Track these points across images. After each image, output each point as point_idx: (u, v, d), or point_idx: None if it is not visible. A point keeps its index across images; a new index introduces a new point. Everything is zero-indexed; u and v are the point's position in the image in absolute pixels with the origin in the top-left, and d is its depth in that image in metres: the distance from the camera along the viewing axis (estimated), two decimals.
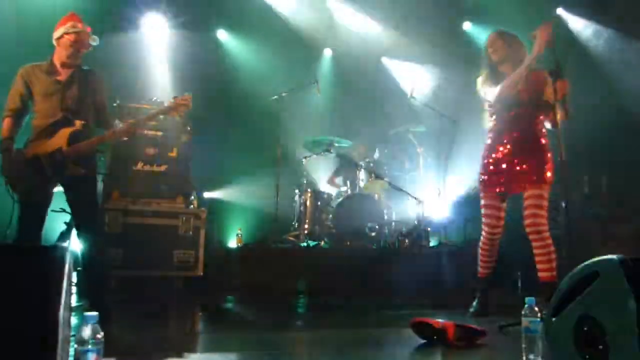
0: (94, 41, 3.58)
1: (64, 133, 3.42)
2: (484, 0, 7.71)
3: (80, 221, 3.52)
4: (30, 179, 3.35)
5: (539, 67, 3.61)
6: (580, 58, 7.17)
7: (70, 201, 3.54)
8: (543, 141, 3.69)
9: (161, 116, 3.85)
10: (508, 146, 3.72)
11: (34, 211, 3.38)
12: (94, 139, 3.56)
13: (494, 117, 3.84)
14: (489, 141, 3.85)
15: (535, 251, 3.64)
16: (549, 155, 3.67)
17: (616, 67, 6.84)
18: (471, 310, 3.89)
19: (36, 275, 1.67)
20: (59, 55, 3.54)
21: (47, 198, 3.45)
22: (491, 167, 3.78)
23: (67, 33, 3.51)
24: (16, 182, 3.35)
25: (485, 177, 3.82)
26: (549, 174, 3.62)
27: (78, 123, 3.47)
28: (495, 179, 3.76)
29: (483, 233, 3.89)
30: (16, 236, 3.30)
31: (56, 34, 3.54)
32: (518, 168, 3.68)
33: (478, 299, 3.91)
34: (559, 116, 3.40)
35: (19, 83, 3.51)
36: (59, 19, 3.59)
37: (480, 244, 3.93)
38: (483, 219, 3.88)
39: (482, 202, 3.87)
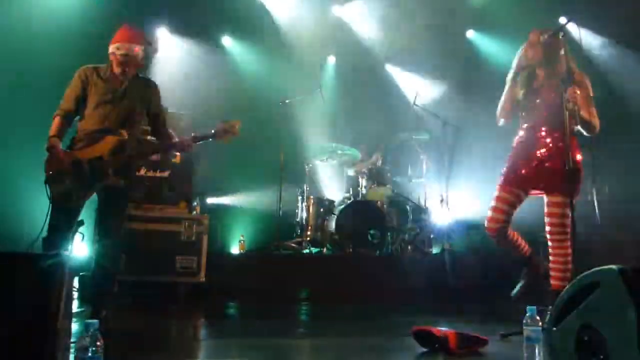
0: (155, 52, 3.55)
1: (110, 141, 3.39)
2: (487, 9, 7.74)
3: (107, 230, 3.44)
4: (69, 181, 3.29)
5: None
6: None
7: (101, 208, 3.48)
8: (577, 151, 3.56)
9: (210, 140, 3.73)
10: (544, 148, 3.62)
11: (65, 215, 3.28)
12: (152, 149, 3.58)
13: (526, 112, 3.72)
14: (522, 133, 3.72)
15: (553, 258, 3.55)
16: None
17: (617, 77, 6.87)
18: (513, 292, 3.69)
19: (36, 284, 1.68)
20: (115, 67, 3.51)
21: (81, 204, 3.38)
22: (522, 164, 3.64)
23: (113, 53, 3.49)
24: (55, 181, 3.29)
25: (513, 173, 3.66)
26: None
27: (125, 133, 3.44)
28: (523, 176, 3.62)
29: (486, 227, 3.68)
30: (45, 238, 3.22)
31: (109, 49, 3.51)
32: (551, 171, 3.56)
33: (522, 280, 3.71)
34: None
35: (77, 84, 3.48)
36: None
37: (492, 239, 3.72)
38: (489, 212, 3.66)
39: (498, 193, 3.66)
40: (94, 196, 3.47)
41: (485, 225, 3.68)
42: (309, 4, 7.86)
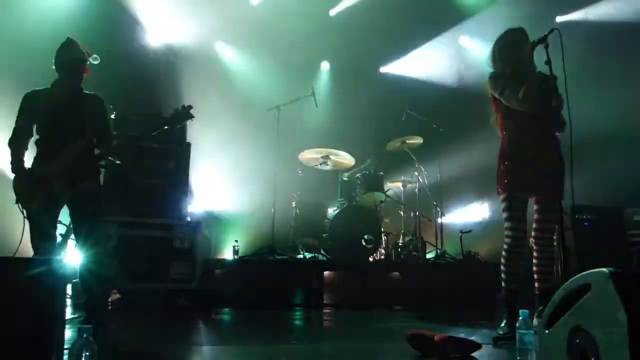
0: (95, 60, 3.65)
1: (69, 152, 3.48)
2: (480, 15, 7.82)
3: (85, 234, 3.50)
4: (40, 198, 3.38)
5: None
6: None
7: (74, 215, 3.55)
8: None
9: (165, 127, 3.81)
10: (539, 149, 3.48)
11: (44, 228, 3.40)
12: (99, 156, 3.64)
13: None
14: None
15: (539, 261, 3.52)
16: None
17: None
18: (500, 332, 3.41)
19: (29, 288, 1.67)
20: (61, 81, 3.61)
21: (57, 215, 3.50)
22: (522, 167, 3.48)
23: (62, 63, 3.58)
24: (27, 201, 3.40)
25: (517, 177, 3.48)
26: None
27: (81, 142, 3.53)
28: (527, 179, 3.46)
29: (509, 241, 3.47)
30: (34, 253, 3.32)
31: (56, 62, 3.59)
32: (548, 174, 3.44)
33: (506, 319, 3.46)
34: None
35: (24, 107, 3.59)
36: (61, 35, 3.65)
37: (506, 253, 3.49)
38: (511, 224, 3.47)
39: (510, 204, 3.48)
40: None
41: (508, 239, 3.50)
42: (303, 8, 7.89)
